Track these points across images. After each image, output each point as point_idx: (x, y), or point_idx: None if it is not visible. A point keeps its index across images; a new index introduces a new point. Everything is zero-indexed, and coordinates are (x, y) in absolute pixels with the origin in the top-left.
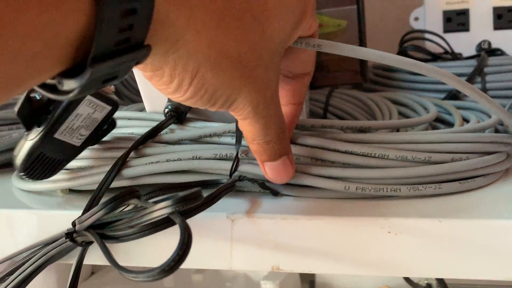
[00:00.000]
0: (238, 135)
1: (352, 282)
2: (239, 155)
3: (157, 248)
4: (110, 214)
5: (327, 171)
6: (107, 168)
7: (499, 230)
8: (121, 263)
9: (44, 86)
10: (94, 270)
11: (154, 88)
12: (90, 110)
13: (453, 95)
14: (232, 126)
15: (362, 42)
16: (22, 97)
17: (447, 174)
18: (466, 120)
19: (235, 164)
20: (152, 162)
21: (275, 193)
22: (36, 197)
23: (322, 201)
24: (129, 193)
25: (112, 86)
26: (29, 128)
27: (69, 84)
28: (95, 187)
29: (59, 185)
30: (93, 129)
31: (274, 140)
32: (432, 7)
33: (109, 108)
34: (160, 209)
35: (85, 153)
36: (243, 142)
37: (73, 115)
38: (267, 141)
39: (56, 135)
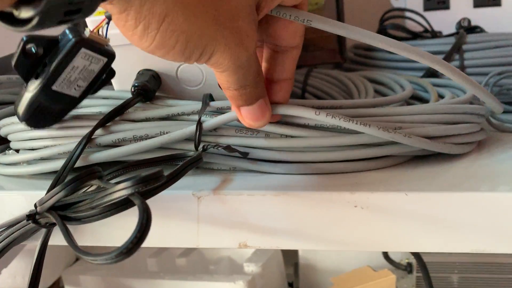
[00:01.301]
0: (202, 108)
1: (335, 262)
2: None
3: (122, 229)
4: (74, 195)
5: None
6: (71, 146)
7: (465, 202)
8: (88, 243)
9: (4, 18)
10: (79, 256)
11: (123, 66)
12: (86, 63)
13: (431, 73)
14: (198, 106)
15: (340, 21)
16: (17, 50)
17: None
18: (442, 97)
19: (198, 134)
20: (118, 139)
21: (244, 155)
22: (2, 178)
23: (290, 177)
24: (90, 173)
25: (108, 38)
26: (27, 80)
27: (27, 12)
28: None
29: (26, 170)
30: (90, 80)
31: (251, 84)
32: None
33: (105, 59)
34: (120, 189)
35: (50, 132)
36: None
37: (69, 68)
38: (243, 86)
39: (54, 87)
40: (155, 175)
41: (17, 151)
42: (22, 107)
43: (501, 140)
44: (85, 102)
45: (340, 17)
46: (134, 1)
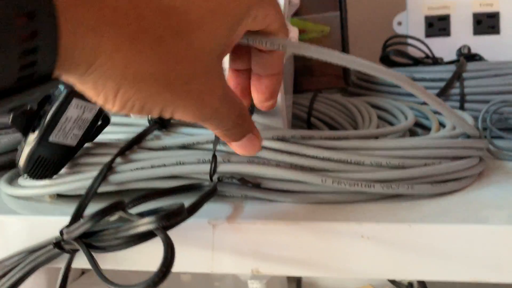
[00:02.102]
0: (216, 139)
1: (337, 282)
2: (217, 157)
3: (142, 253)
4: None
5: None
6: (94, 174)
7: (467, 234)
8: (109, 266)
9: None
10: (85, 270)
11: None
12: (79, 112)
13: None
14: (211, 136)
15: (344, 48)
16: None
17: (420, 178)
18: (443, 125)
19: (213, 165)
20: (137, 168)
21: (256, 186)
22: (24, 202)
23: (300, 207)
24: (115, 206)
25: None
26: (25, 134)
27: None
28: (82, 191)
29: (47, 191)
30: (86, 128)
31: (232, 127)
32: (415, 12)
33: (97, 107)
34: (145, 224)
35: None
36: (222, 147)
37: (63, 119)
38: (227, 129)
39: (51, 139)
40: (178, 210)
41: None
42: (22, 160)
43: (501, 168)
44: (105, 128)
45: (344, 43)
46: (88, 80)
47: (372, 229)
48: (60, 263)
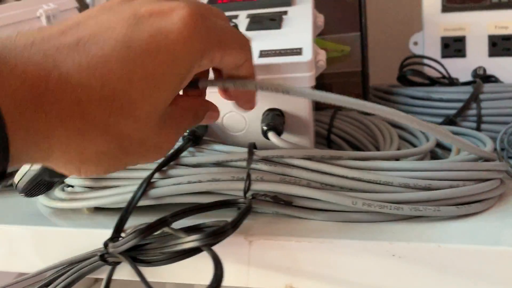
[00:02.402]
0: (249, 158)
1: None
2: (251, 176)
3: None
4: None
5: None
6: (132, 188)
7: (494, 256)
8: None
9: None
10: (98, 278)
11: None
12: None
13: (450, 120)
14: (244, 154)
15: (364, 67)
16: None
17: (445, 199)
18: None
19: (247, 183)
20: (175, 184)
21: (288, 203)
22: (61, 214)
23: (331, 225)
24: (162, 222)
25: None
26: None
27: None
28: (120, 205)
29: (87, 204)
30: None
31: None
32: (431, 33)
33: None
34: (193, 241)
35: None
36: (255, 165)
37: None
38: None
39: None
40: (223, 228)
41: (71, 186)
42: (23, 181)
43: None
44: None
45: (364, 63)
46: (51, 164)
47: (403, 248)
48: (98, 274)
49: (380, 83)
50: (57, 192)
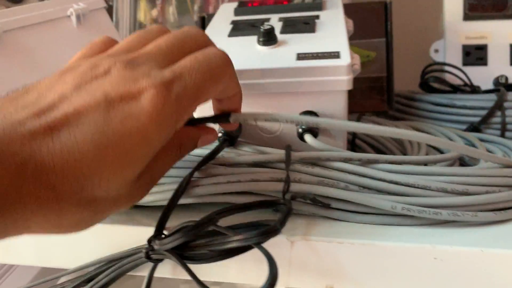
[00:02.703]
0: (287, 160)
1: None
2: (291, 179)
3: (221, 265)
4: None
5: (376, 194)
6: (171, 186)
7: None
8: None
9: None
10: None
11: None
12: None
13: (475, 127)
14: (282, 155)
15: (389, 72)
16: None
17: (482, 205)
18: (489, 151)
19: (287, 186)
20: (214, 183)
21: (326, 206)
22: None
23: (370, 227)
24: (209, 220)
25: None
26: None
27: None
28: (160, 203)
29: None
30: None
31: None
32: (452, 41)
33: None
34: (244, 239)
35: None
36: (293, 167)
37: None
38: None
39: None
40: (273, 228)
41: None
42: None
43: None
44: None
45: (389, 69)
46: (30, 231)
47: (445, 252)
48: (138, 272)
49: (400, 89)
50: None
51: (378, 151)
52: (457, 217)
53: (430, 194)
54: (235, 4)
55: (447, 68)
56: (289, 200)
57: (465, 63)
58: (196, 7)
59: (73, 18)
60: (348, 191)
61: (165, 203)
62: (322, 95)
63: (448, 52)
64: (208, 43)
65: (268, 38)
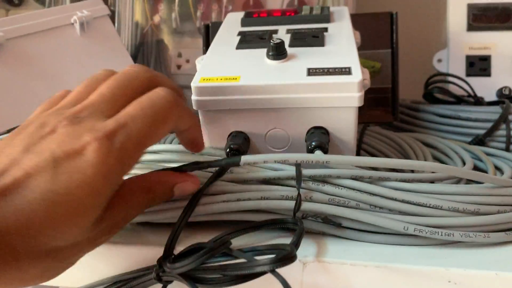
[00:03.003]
0: (298, 178)
1: None
2: (301, 197)
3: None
4: None
5: (388, 216)
6: (181, 204)
7: None
8: None
9: None
10: None
11: (216, 128)
12: None
13: (480, 140)
14: (293, 172)
15: (394, 83)
16: None
17: (494, 225)
18: (497, 168)
19: (298, 204)
20: (224, 201)
21: (338, 225)
22: None
23: (382, 248)
24: (222, 243)
25: None
26: None
27: None
28: (169, 220)
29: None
30: None
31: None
32: (456, 51)
33: None
34: (261, 265)
35: None
36: (303, 184)
37: None
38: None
39: None
40: (290, 254)
41: None
42: None
43: None
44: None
45: (395, 80)
46: None
47: (459, 275)
48: None
49: (402, 98)
50: None
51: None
52: (469, 238)
53: (442, 214)
54: (241, 14)
55: (450, 78)
56: (301, 220)
57: (468, 74)
58: (198, 13)
59: (77, 26)
60: (359, 210)
61: (174, 220)
62: (332, 111)
63: (451, 62)
64: (152, 80)
65: (278, 52)
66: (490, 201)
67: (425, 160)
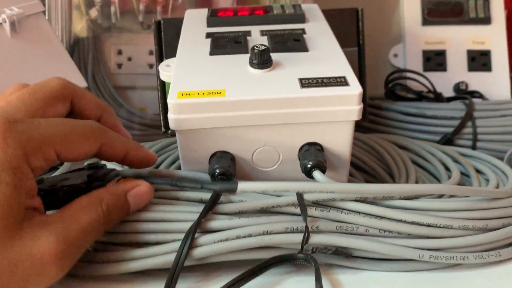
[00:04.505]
0: (302, 206)
1: None
2: (309, 227)
3: None
4: None
5: (400, 241)
6: (173, 246)
7: None
8: None
9: None
10: None
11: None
12: None
13: (448, 139)
14: (293, 198)
15: (362, 83)
16: None
17: (502, 240)
18: (479, 172)
19: (306, 237)
20: (222, 240)
21: (348, 256)
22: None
23: (396, 276)
24: None
25: None
26: None
27: None
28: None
29: (125, 267)
30: None
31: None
32: (412, 46)
33: None
34: None
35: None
36: (309, 212)
37: None
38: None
39: None
40: None
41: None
42: None
43: None
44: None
45: (362, 80)
46: None
47: None
48: None
49: None
50: None
51: (364, 171)
52: (483, 259)
53: (453, 234)
54: (203, 11)
55: (409, 74)
56: (313, 257)
57: (425, 69)
58: (141, 7)
59: (7, 26)
60: (369, 237)
61: (168, 266)
62: (329, 126)
63: (408, 57)
64: (69, 91)
65: (263, 61)
66: (496, 215)
67: (404, 164)
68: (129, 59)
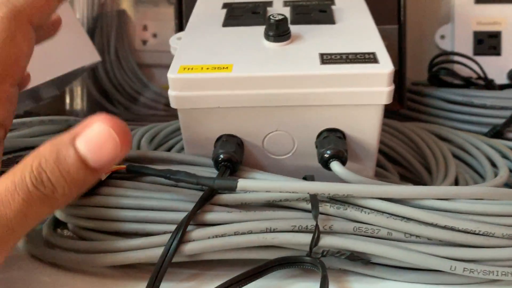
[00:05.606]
0: (314, 201)
1: None
2: (320, 228)
3: None
4: None
5: (429, 249)
6: (162, 238)
7: None
8: None
9: None
10: None
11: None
12: None
13: (498, 131)
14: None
15: (401, 66)
16: None
17: None
18: None
19: (315, 238)
20: (217, 236)
21: (365, 262)
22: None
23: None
24: None
25: None
26: None
27: None
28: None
29: (109, 260)
30: None
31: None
32: (462, 26)
33: None
34: None
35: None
36: (321, 209)
37: None
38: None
39: None
40: None
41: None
42: None
43: None
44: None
45: (402, 62)
46: None
47: None
48: None
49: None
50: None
51: (397, 163)
52: None
53: (494, 243)
54: None
55: (457, 58)
56: (322, 262)
57: (476, 53)
58: None
59: None
60: (392, 242)
61: (154, 260)
62: (353, 110)
63: (457, 39)
64: None
65: (280, 32)
66: None
67: (444, 158)
68: (154, 35)
